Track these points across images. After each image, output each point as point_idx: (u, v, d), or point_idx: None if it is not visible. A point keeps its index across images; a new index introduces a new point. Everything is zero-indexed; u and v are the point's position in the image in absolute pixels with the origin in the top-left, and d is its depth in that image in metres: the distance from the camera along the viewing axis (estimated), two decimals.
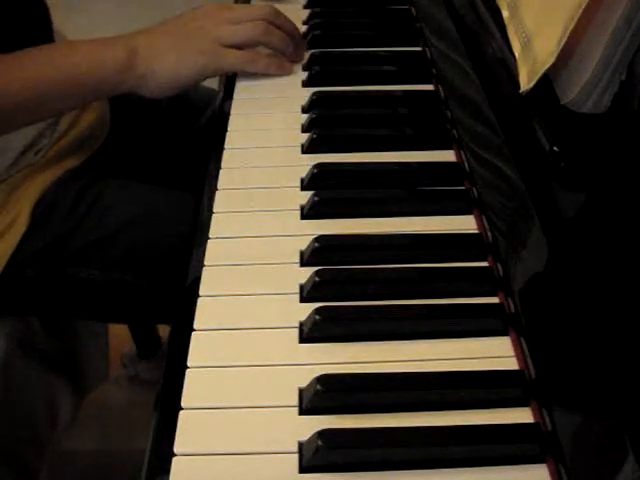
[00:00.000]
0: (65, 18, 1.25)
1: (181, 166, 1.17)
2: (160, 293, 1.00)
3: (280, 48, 0.96)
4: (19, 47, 0.90)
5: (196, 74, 0.91)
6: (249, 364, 0.59)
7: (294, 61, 0.98)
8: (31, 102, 0.89)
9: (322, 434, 0.52)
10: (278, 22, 0.95)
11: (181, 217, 0.97)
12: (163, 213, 1.02)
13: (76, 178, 1.03)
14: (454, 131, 0.81)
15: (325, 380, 0.55)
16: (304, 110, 0.89)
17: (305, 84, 0.95)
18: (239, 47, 0.93)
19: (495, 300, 0.63)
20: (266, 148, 0.84)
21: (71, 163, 1.05)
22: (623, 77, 0.65)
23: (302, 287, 0.65)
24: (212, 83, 1.11)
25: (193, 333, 0.62)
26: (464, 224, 0.72)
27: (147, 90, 0.91)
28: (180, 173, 1.15)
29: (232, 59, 0.92)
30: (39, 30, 1.05)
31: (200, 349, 0.60)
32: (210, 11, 0.94)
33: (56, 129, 1.04)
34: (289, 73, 0.96)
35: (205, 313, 0.64)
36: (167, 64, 0.90)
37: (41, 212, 0.99)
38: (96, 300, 1.03)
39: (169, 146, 1.20)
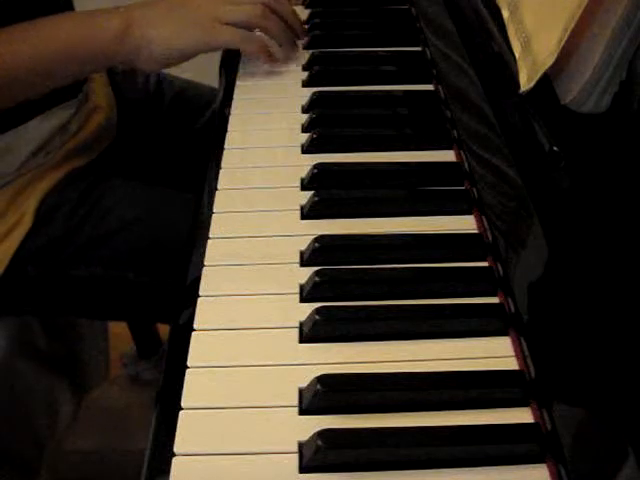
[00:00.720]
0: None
1: (182, 166, 1.17)
2: (161, 291, 1.00)
3: (275, 34, 0.96)
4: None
5: (190, 47, 0.91)
6: (249, 364, 0.59)
7: (289, 51, 0.98)
8: (29, 72, 0.89)
9: (322, 434, 0.52)
10: (278, 8, 0.96)
11: (182, 217, 0.97)
12: (164, 212, 1.03)
13: (80, 178, 1.03)
14: (454, 131, 0.81)
15: (325, 380, 0.55)
16: (304, 110, 0.89)
17: (305, 84, 0.95)
18: (239, 27, 0.93)
19: (495, 300, 0.63)
20: (266, 148, 0.84)
21: (77, 163, 1.05)
22: (623, 77, 0.65)
23: (302, 287, 0.65)
24: (212, 83, 1.11)
25: (193, 333, 0.62)
26: (464, 224, 0.72)
27: (141, 61, 0.91)
28: (181, 173, 1.15)
29: (227, 35, 0.92)
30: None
31: (200, 349, 0.60)
32: None
33: (67, 131, 1.04)
34: (277, 62, 0.96)
35: (205, 313, 0.64)
36: (162, 35, 0.90)
37: (45, 211, 0.99)
38: (97, 298, 1.03)
39: (170, 147, 1.20)
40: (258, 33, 0.96)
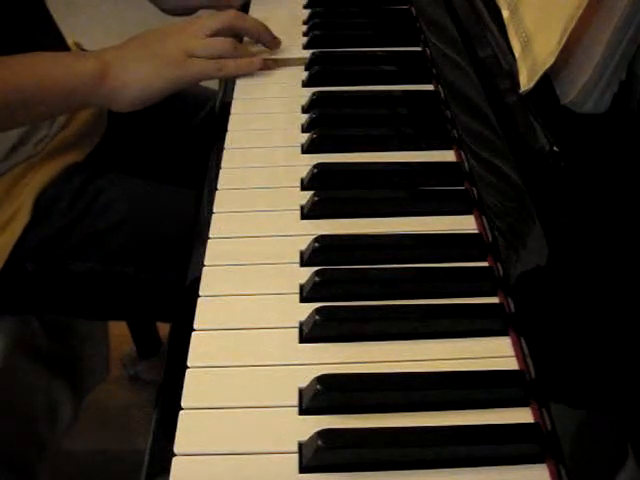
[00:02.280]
0: (65, 18, 1.25)
1: (180, 162, 1.17)
2: (160, 288, 1.00)
3: (257, 34, 0.99)
4: (21, 43, 0.90)
5: (167, 86, 0.92)
6: (249, 364, 0.59)
7: (273, 46, 1.00)
8: (1, 109, 0.89)
9: (322, 434, 0.52)
10: (244, 29, 0.98)
11: (180, 212, 0.97)
12: (162, 208, 1.03)
13: (77, 173, 1.03)
14: (454, 131, 0.81)
15: (325, 380, 0.55)
16: (304, 110, 0.89)
17: (305, 84, 0.95)
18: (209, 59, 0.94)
19: (495, 300, 0.63)
20: (266, 148, 0.84)
21: (72, 158, 1.05)
22: (623, 77, 0.65)
23: (302, 287, 0.65)
24: (212, 83, 1.11)
25: (193, 333, 0.62)
26: (464, 224, 0.72)
27: (118, 103, 0.92)
28: (179, 169, 1.15)
29: (201, 68, 0.92)
30: (40, 26, 1.05)
31: (200, 349, 0.60)
32: (181, 26, 0.95)
33: (54, 121, 1.04)
34: (260, 68, 0.96)
35: (205, 313, 0.64)
36: (138, 77, 0.90)
37: (42, 206, 0.99)
38: (96, 294, 1.03)
39: (167, 142, 1.20)
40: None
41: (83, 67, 0.90)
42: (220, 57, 0.94)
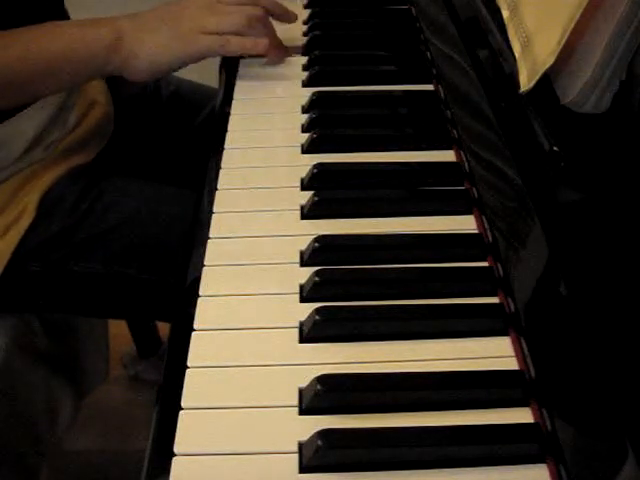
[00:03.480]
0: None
1: (181, 163, 1.17)
2: (161, 288, 1.00)
3: (260, 51, 0.96)
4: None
5: (174, 59, 0.92)
6: (249, 364, 0.59)
7: (278, 54, 0.98)
8: (16, 81, 0.90)
9: (322, 434, 0.52)
10: (264, 20, 0.97)
11: (182, 213, 0.97)
12: (164, 209, 1.03)
13: (80, 175, 1.04)
14: (454, 131, 0.81)
15: (325, 380, 0.55)
16: (304, 110, 0.89)
17: (305, 84, 0.95)
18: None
19: (495, 300, 0.63)
20: (266, 148, 0.84)
21: (78, 160, 1.05)
22: (623, 77, 0.65)
23: (302, 287, 0.65)
24: (212, 83, 1.11)
25: (193, 333, 0.62)
26: (464, 224, 0.72)
27: (129, 73, 0.92)
28: (180, 170, 1.15)
29: (204, 44, 0.92)
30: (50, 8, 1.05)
31: (200, 349, 0.60)
32: (200, 2, 0.95)
33: (65, 124, 1.04)
34: (265, 51, 0.95)
35: (205, 313, 0.64)
36: (148, 50, 0.91)
37: (46, 207, 1.00)
38: (99, 294, 1.04)
39: (169, 143, 1.21)
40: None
41: (97, 36, 0.90)
42: (234, 32, 0.93)
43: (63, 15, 1.11)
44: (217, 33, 0.92)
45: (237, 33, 0.94)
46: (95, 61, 0.91)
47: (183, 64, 0.93)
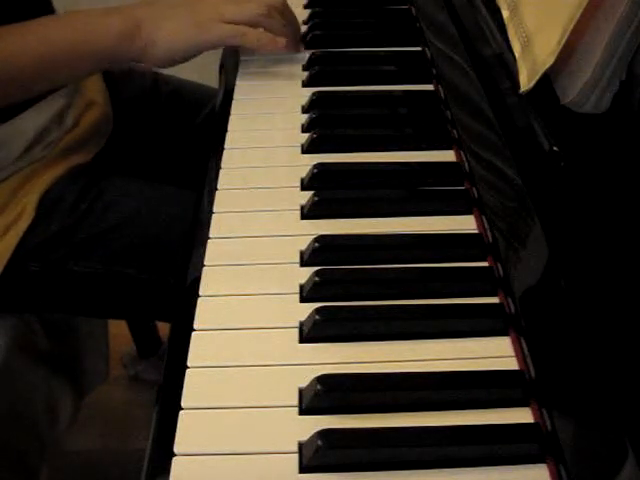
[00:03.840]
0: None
1: (181, 162, 1.17)
2: (161, 288, 1.00)
3: (279, 34, 0.96)
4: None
5: (190, 47, 0.92)
6: (249, 364, 0.59)
7: (290, 50, 0.98)
8: (34, 72, 0.90)
9: (322, 434, 0.52)
10: (283, 10, 0.96)
11: (182, 213, 0.97)
12: (164, 209, 1.03)
13: (80, 175, 1.04)
14: (454, 131, 0.81)
15: (325, 380, 0.55)
16: (304, 110, 0.89)
17: (305, 84, 0.95)
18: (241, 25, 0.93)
19: (495, 300, 0.63)
20: (266, 148, 0.84)
21: (77, 159, 1.05)
22: (623, 77, 0.65)
23: (302, 287, 0.65)
24: (212, 83, 1.11)
25: (193, 333, 0.62)
26: (464, 224, 0.72)
27: (147, 60, 0.93)
28: (180, 169, 1.15)
29: (223, 32, 0.92)
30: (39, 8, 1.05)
31: (200, 349, 0.60)
32: None
33: (63, 123, 1.04)
34: (282, 50, 0.95)
35: (205, 313, 0.64)
36: (164, 37, 0.91)
37: (45, 207, 1.00)
38: (98, 294, 1.03)
39: (169, 143, 1.20)
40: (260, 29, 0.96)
41: (114, 24, 0.90)
42: (252, 22, 0.93)
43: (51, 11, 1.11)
44: (235, 22, 0.92)
45: (255, 23, 0.94)
46: (114, 49, 0.91)
47: (198, 51, 0.93)
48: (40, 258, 1.00)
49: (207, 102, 1.20)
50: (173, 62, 0.94)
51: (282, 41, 0.94)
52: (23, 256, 0.99)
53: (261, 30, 0.94)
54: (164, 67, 0.94)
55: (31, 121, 1.00)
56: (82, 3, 1.01)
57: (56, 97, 1.03)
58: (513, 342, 0.60)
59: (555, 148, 0.65)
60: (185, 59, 0.94)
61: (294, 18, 0.99)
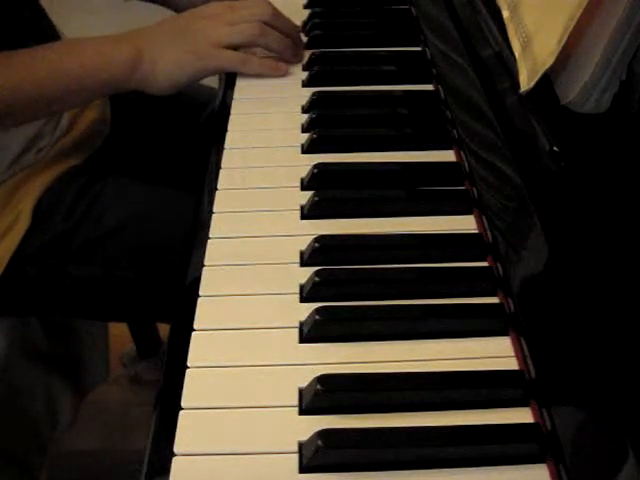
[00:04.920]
0: (65, 17, 1.25)
1: (181, 164, 1.17)
2: (161, 290, 1.00)
3: (277, 50, 0.96)
4: (19, 45, 0.91)
5: (192, 76, 0.93)
6: (249, 364, 0.59)
7: (292, 62, 0.98)
8: (38, 100, 0.90)
9: (322, 434, 0.52)
10: (276, 23, 0.96)
11: (181, 215, 0.97)
12: (163, 211, 1.03)
13: (77, 177, 1.03)
14: (454, 131, 0.81)
15: (325, 380, 0.55)
16: (304, 110, 0.89)
17: (305, 84, 0.95)
18: (237, 48, 0.93)
19: (495, 300, 0.63)
20: (266, 148, 0.84)
21: (72, 162, 1.05)
22: (623, 77, 0.65)
23: (302, 287, 0.65)
24: (212, 82, 1.11)
25: (193, 333, 0.62)
26: (464, 224, 0.72)
27: (150, 89, 0.93)
28: (180, 171, 1.15)
29: (224, 60, 0.93)
30: (38, 27, 1.05)
31: (200, 349, 0.60)
32: (210, 11, 0.95)
33: (57, 128, 1.04)
34: (284, 75, 0.96)
35: (205, 313, 0.63)
36: (167, 65, 0.91)
37: (42, 211, 0.99)
38: (97, 298, 1.03)
39: (168, 145, 1.20)
40: (258, 50, 0.96)
41: (118, 55, 0.91)
42: (248, 43, 0.94)
43: (52, 35, 1.11)
44: (232, 46, 0.92)
45: (252, 44, 0.94)
46: (116, 78, 0.91)
47: (202, 77, 0.94)
48: (38, 263, 0.99)
49: (208, 103, 1.19)
50: (175, 89, 0.94)
51: (283, 68, 0.96)
52: (21, 261, 0.99)
53: (261, 56, 0.95)
54: (166, 93, 0.94)
55: (24, 127, 1.00)
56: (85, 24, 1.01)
57: None
58: (513, 342, 0.60)
59: (555, 148, 0.65)
60: (189, 84, 0.94)
61: (290, 25, 0.98)
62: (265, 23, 0.94)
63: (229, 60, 0.93)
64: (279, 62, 0.96)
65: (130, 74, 0.90)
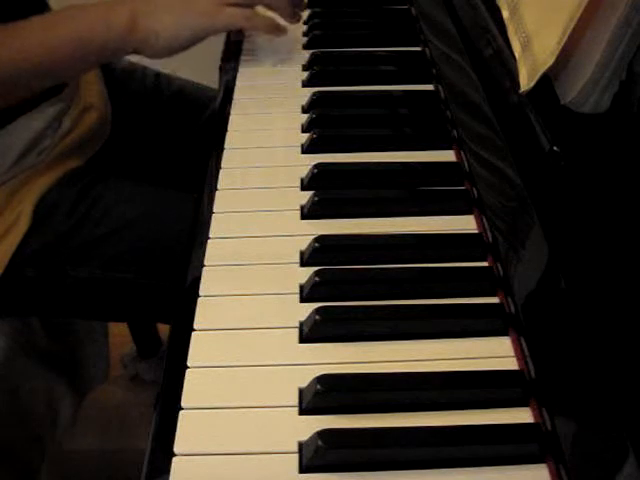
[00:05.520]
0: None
1: (181, 165, 1.17)
2: (160, 291, 1.00)
3: (277, 7, 0.98)
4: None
5: (194, 35, 0.93)
6: (249, 364, 0.59)
7: (292, 22, 1.00)
8: (37, 68, 0.91)
9: (322, 434, 0.52)
10: None
11: (181, 216, 0.97)
12: (163, 212, 1.03)
13: (77, 178, 1.03)
14: (454, 131, 0.81)
15: (325, 380, 0.55)
16: (304, 110, 0.89)
17: (305, 84, 0.95)
18: (242, 6, 0.94)
19: (495, 300, 0.63)
20: (266, 148, 0.84)
21: (73, 163, 1.05)
22: (623, 77, 0.65)
23: (302, 287, 0.65)
24: (212, 82, 1.11)
25: (193, 333, 0.62)
26: (464, 224, 0.72)
27: (149, 51, 0.93)
28: (180, 172, 1.15)
29: (226, 17, 0.93)
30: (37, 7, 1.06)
31: (200, 349, 0.60)
32: None
33: (58, 130, 1.04)
34: (284, 34, 0.98)
35: (205, 313, 0.64)
36: (166, 26, 0.91)
37: (42, 212, 0.99)
38: (97, 299, 1.03)
39: (169, 146, 1.20)
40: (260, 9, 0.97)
41: (113, 16, 0.91)
42: (250, 1, 0.94)
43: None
44: (235, 3, 0.93)
45: (252, 2, 0.95)
46: (113, 41, 0.91)
47: (202, 37, 0.94)
48: (38, 264, 0.99)
49: (208, 104, 1.19)
50: (177, 51, 0.94)
51: (284, 28, 0.98)
52: (21, 262, 0.99)
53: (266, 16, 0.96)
54: (166, 56, 0.94)
55: (25, 129, 1.00)
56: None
57: (50, 104, 1.03)
58: (513, 342, 0.60)
59: (555, 148, 0.65)
60: (189, 46, 0.94)
61: None
62: None
63: (232, 17, 0.93)
64: (279, 23, 0.97)
65: (127, 35, 0.91)
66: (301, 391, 0.56)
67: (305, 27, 1.08)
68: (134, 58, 1.05)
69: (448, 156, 0.80)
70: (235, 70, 0.99)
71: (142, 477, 0.53)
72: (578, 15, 0.65)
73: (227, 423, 0.55)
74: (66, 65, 0.93)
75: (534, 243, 0.62)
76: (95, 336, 1.27)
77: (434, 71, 0.93)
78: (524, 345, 0.57)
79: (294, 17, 1.00)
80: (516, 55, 0.75)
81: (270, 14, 0.99)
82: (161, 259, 1.00)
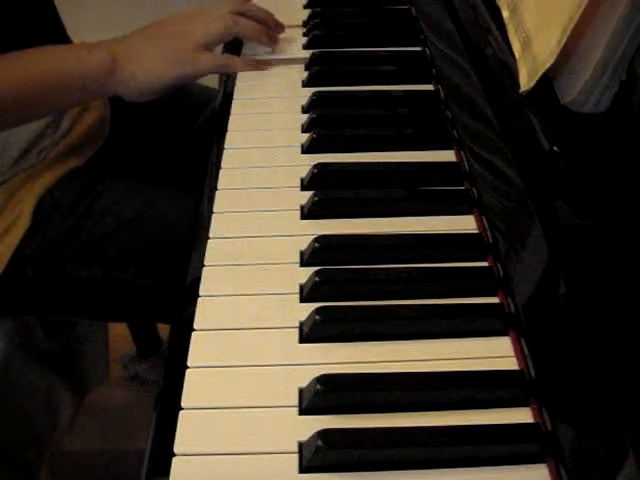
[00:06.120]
0: (74, 16, 1.25)
1: (181, 165, 1.17)
2: (160, 292, 1.00)
3: (252, 36, 0.98)
4: (24, 40, 0.91)
5: (174, 80, 0.93)
6: (249, 364, 0.59)
7: (269, 47, 1.00)
8: (17, 104, 0.90)
9: (322, 434, 0.52)
10: (248, 11, 0.98)
11: (181, 216, 0.97)
12: (163, 212, 1.03)
13: (77, 178, 1.03)
14: (454, 131, 0.81)
15: (325, 380, 0.55)
16: (304, 110, 0.89)
17: (305, 84, 0.95)
18: (217, 44, 0.95)
19: (495, 300, 0.63)
20: (266, 148, 0.84)
21: (72, 163, 1.05)
22: (623, 77, 0.65)
23: (302, 287, 0.65)
24: (212, 82, 1.11)
25: (193, 333, 0.62)
26: (464, 224, 0.72)
27: (129, 94, 0.93)
28: (180, 172, 1.15)
29: (208, 63, 0.94)
30: (47, 27, 1.05)
31: (200, 349, 0.60)
32: (185, 15, 0.96)
33: (58, 129, 1.04)
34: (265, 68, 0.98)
35: (205, 313, 0.64)
36: (146, 71, 0.91)
37: (42, 212, 0.99)
38: (97, 299, 1.03)
39: (169, 145, 1.20)
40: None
41: (93, 61, 0.91)
42: (225, 36, 0.95)
43: (60, 33, 1.11)
44: (210, 45, 0.94)
45: (227, 35, 0.96)
46: (91, 83, 0.91)
47: (180, 83, 0.94)
48: (38, 263, 0.99)
49: (208, 104, 1.19)
50: (157, 94, 0.94)
51: (266, 66, 0.98)
52: (21, 262, 0.99)
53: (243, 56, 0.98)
54: (145, 100, 0.94)
55: (25, 127, 1.00)
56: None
57: None
58: (513, 342, 0.60)
59: (555, 148, 0.65)
60: (170, 90, 0.94)
61: (262, 11, 1.00)
62: (236, 13, 0.96)
63: (211, 63, 0.94)
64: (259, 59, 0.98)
65: (105, 79, 0.90)
66: (301, 391, 0.56)
67: (305, 27, 1.08)
68: None
69: (448, 156, 0.80)
70: None
71: (142, 477, 0.53)
72: (578, 15, 0.66)
73: (227, 423, 0.55)
74: (45, 103, 0.92)
75: (534, 243, 0.62)
76: (95, 336, 1.27)
77: (434, 71, 0.93)
78: (524, 345, 0.57)
79: (271, 42, 1.00)
80: (516, 55, 0.75)
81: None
82: (161, 259, 1.00)
